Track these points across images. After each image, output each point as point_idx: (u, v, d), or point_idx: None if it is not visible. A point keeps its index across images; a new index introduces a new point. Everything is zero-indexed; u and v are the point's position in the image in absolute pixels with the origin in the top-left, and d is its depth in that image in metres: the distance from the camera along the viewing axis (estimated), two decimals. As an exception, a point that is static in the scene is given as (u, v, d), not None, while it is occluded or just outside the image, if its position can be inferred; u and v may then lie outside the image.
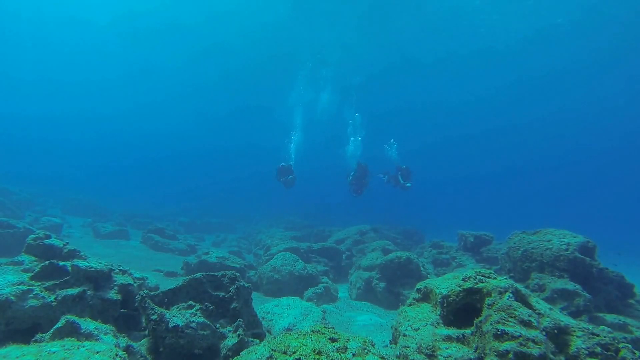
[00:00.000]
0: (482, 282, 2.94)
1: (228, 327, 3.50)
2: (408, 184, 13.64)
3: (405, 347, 2.80)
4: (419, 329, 2.90)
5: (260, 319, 4.30)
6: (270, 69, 33.17)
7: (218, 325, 3.45)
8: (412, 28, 25.45)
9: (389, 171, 14.64)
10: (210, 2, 27.57)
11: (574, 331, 2.58)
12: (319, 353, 2.21)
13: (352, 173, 13.51)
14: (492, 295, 2.74)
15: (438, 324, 2.91)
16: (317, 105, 30.68)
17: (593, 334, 2.54)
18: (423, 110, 40.70)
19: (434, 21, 24.81)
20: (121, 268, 4.16)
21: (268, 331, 4.38)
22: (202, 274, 3.78)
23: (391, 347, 3.44)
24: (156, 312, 3.06)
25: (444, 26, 25.42)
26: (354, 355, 2.26)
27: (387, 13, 23.62)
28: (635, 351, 2.46)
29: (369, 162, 13.88)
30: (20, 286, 3.17)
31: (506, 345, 2.25)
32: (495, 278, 2.95)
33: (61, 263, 3.69)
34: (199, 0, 27.82)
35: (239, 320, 3.42)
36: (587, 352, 2.42)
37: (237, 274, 3.99)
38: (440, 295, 3.06)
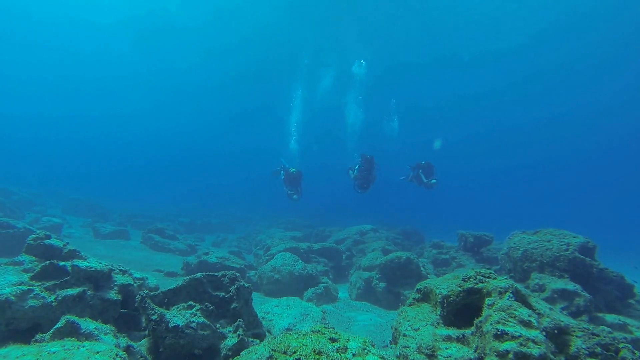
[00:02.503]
0: (482, 282, 2.94)
1: (228, 327, 3.50)
2: (433, 181, 12.28)
3: (405, 347, 2.80)
4: (419, 329, 2.90)
5: (261, 319, 4.30)
6: (272, 71, 33.23)
7: (218, 326, 3.46)
8: (413, 28, 25.44)
9: (409, 171, 13.38)
10: (214, 4, 27.61)
11: (574, 331, 2.58)
12: (319, 353, 2.21)
13: (356, 167, 11.96)
14: (492, 295, 2.74)
15: (438, 324, 2.91)
16: (317, 96, 30.18)
17: (593, 334, 2.54)
18: (422, 111, 40.70)
19: (433, 21, 24.81)
20: (121, 268, 4.16)
21: (268, 331, 4.38)
22: (202, 274, 3.78)
23: (391, 347, 3.44)
24: (156, 312, 3.06)
25: (443, 25, 25.42)
26: (354, 355, 2.26)
27: (389, 14, 23.61)
28: (635, 351, 2.46)
29: (367, 143, 13.04)
30: (20, 286, 3.17)
31: (506, 345, 2.25)
32: (495, 278, 2.95)
33: (61, 263, 3.69)
34: (203, 2, 27.85)
35: (239, 321, 3.43)
36: (587, 352, 2.42)
37: (237, 274, 3.99)
38: (440, 296, 3.06)
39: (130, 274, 4.19)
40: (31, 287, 3.21)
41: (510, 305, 2.52)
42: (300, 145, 23.32)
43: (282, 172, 12.54)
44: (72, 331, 2.53)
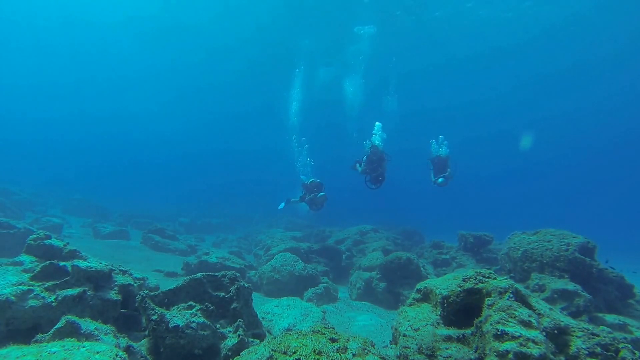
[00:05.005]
0: (482, 283, 2.94)
1: (228, 328, 3.50)
2: (440, 179, 11.06)
3: (405, 347, 2.80)
4: (419, 329, 2.90)
5: (261, 319, 4.30)
6: (272, 70, 33.19)
7: (218, 326, 3.46)
8: (413, 31, 25.43)
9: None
10: (215, 4, 27.59)
11: (574, 331, 2.58)
12: (319, 353, 2.22)
13: (364, 158, 10.54)
14: (492, 295, 2.74)
15: (438, 324, 2.91)
16: (317, 82, 29.59)
17: (593, 334, 2.54)
18: (422, 112, 40.73)
19: (435, 24, 24.80)
20: (121, 268, 4.16)
21: (268, 331, 4.39)
22: (203, 274, 3.79)
23: (391, 348, 3.44)
24: (156, 313, 3.06)
25: (442, 30, 25.43)
26: (354, 355, 2.26)
27: (390, 14, 23.57)
28: (635, 351, 2.46)
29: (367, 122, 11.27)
30: (20, 286, 3.17)
31: (506, 345, 2.25)
32: (495, 278, 2.95)
33: (61, 263, 3.69)
34: (204, 2, 27.84)
35: (239, 321, 3.43)
36: (587, 352, 2.42)
37: (238, 274, 3.99)
38: (440, 296, 3.06)
39: (131, 274, 4.19)
40: (31, 288, 3.21)
41: (510, 306, 2.52)
42: (300, 120, 22.83)
43: (300, 196, 11.44)
44: (72, 331, 2.53)
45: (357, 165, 10.82)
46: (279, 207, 12.12)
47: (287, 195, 12.10)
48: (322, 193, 10.73)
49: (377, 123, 11.49)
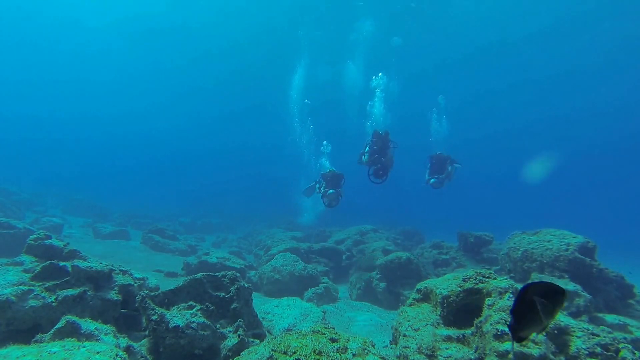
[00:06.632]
0: (482, 283, 2.94)
1: (228, 328, 3.50)
2: (432, 180, 9.89)
3: (405, 347, 2.80)
4: (419, 329, 2.90)
5: (261, 319, 4.30)
6: (270, 68, 33.24)
7: (218, 326, 3.46)
8: (410, 28, 25.41)
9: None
10: (209, 3, 27.64)
11: (574, 331, 2.58)
12: (319, 353, 2.22)
13: (366, 148, 9.23)
14: (492, 295, 2.74)
15: (438, 324, 2.91)
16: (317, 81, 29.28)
17: (593, 334, 2.55)
18: (421, 110, 40.70)
19: (434, 21, 24.78)
20: (121, 268, 4.17)
21: (268, 331, 4.39)
22: (203, 275, 3.79)
23: (391, 348, 3.45)
24: (156, 313, 3.06)
25: (441, 27, 25.41)
26: (354, 355, 2.26)
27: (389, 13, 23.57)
28: (635, 351, 2.46)
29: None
30: (20, 286, 3.18)
31: (506, 345, 2.25)
32: (495, 278, 2.95)
33: (62, 263, 3.69)
34: (198, 2, 27.90)
35: (240, 321, 3.43)
36: (587, 352, 2.42)
37: (238, 275, 3.99)
38: (440, 296, 3.07)
39: (131, 274, 4.19)
40: (31, 288, 3.21)
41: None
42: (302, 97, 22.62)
43: (317, 185, 10.37)
44: (73, 331, 2.53)
45: (362, 157, 9.51)
46: (302, 190, 11.28)
47: (304, 186, 11.36)
48: (331, 191, 9.28)
49: (378, 74, 10.25)
